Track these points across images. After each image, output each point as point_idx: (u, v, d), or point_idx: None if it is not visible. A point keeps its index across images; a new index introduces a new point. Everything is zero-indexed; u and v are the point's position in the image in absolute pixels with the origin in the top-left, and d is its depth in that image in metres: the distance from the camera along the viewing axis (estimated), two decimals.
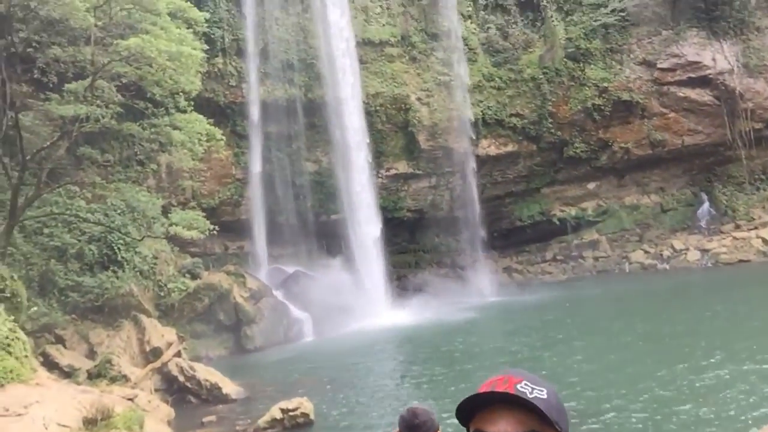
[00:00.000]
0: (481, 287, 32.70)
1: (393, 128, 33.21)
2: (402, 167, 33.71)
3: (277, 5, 31.22)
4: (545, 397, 1.78)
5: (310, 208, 31.81)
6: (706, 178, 38.05)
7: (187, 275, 24.06)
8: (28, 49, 20.03)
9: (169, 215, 19.78)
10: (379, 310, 28.64)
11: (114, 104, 19.91)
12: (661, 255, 35.42)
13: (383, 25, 33.53)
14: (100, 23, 18.52)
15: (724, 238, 34.90)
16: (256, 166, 30.31)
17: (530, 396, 1.77)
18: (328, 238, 31.67)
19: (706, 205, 37.09)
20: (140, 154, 25.23)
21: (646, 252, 36.00)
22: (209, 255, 28.79)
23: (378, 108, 32.47)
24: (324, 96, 31.04)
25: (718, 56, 35.33)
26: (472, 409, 1.83)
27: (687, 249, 35.12)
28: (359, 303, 28.18)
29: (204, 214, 20.52)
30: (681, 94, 35.66)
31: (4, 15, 17.78)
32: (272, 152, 30.95)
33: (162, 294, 22.69)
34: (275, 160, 31.04)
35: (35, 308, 17.16)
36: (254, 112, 30.20)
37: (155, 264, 22.62)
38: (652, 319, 22.34)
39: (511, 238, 37.57)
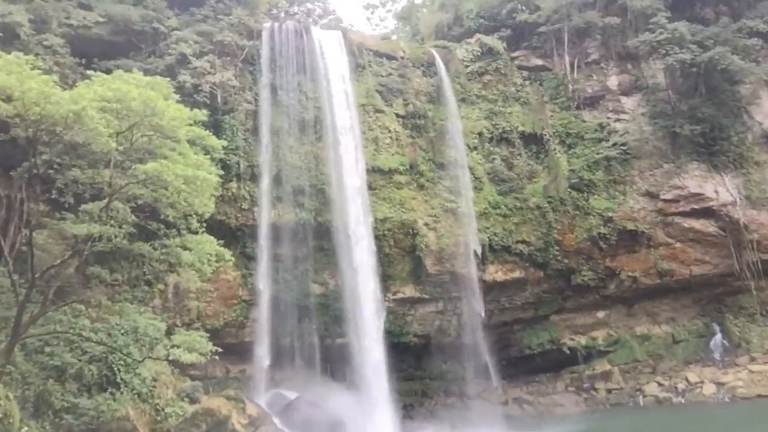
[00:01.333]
0: (490, 420, 31.39)
1: (400, 252, 33.48)
2: (409, 291, 33.61)
3: (293, 135, 32.61)
4: None
5: (315, 331, 31.39)
6: (716, 309, 37.57)
7: (186, 399, 23.32)
8: (49, 171, 20.72)
9: (172, 336, 19.52)
10: None
11: (127, 224, 20.27)
12: (676, 388, 34.26)
13: (392, 154, 34.79)
14: (121, 148, 19.26)
15: (739, 371, 33.88)
16: (263, 287, 30.30)
17: None
18: (333, 362, 30.94)
19: (719, 336, 36.36)
20: (149, 274, 25.33)
21: (660, 384, 34.85)
22: (210, 378, 28.06)
23: (386, 232, 32.91)
24: (333, 220, 31.62)
25: (720, 188, 36.07)
26: None
27: (702, 382, 34.01)
28: None
29: (208, 335, 20.21)
30: (686, 225, 36.07)
31: (30, 139, 18.58)
32: (279, 273, 31.02)
33: (159, 419, 21.86)
34: (282, 281, 31.05)
35: (26, 429, 16.53)
36: (264, 234, 30.65)
37: (154, 386, 22.01)
38: None
39: (520, 367, 36.62)
